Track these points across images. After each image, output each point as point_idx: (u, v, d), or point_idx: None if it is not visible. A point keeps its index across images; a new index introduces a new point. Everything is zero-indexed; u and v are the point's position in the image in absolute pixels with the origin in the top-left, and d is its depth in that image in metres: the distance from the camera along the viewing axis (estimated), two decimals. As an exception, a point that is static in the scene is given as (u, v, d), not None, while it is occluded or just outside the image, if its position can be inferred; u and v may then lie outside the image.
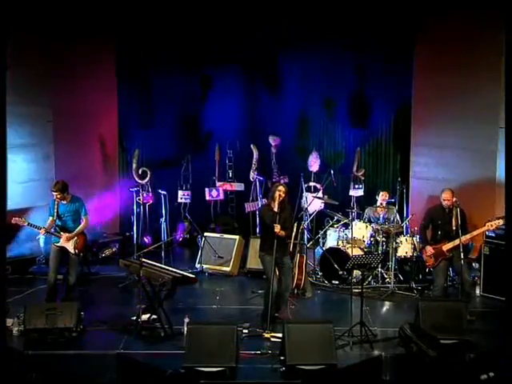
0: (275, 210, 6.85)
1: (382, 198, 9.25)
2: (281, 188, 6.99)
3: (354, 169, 10.68)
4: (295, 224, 8.37)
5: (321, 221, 10.12)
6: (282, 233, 6.79)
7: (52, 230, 7.45)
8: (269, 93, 11.53)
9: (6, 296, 6.60)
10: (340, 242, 8.92)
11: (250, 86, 11.71)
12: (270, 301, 6.70)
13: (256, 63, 11.35)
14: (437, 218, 7.50)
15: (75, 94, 9.81)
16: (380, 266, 8.39)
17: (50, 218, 7.48)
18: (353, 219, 8.96)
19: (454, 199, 7.36)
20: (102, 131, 10.66)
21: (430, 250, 7.48)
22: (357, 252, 8.43)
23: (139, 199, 10.13)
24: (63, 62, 9.65)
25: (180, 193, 11.18)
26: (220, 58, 11.10)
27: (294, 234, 8.28)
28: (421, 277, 8.62)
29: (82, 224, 7.53)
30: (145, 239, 10.33)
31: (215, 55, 11.09)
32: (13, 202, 8.35)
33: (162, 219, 9.85)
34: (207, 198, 11.21)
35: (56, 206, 7.43)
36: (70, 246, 7.40)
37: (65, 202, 7.45)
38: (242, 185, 11.30)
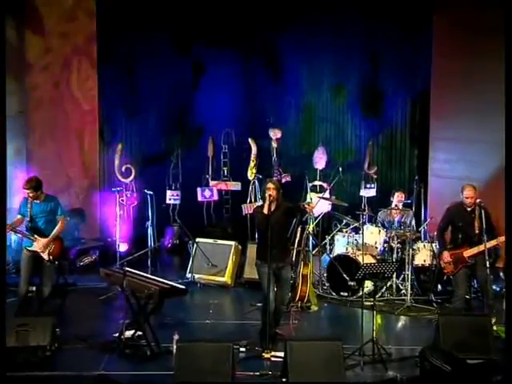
0: (265, 212, 6.71)
1: (397, 199, 9.25)
2: (270, 185, 6.74)
3: (366, 166, 10.68)
4: (299, 229, 8.35)
5: (328, 225, 10.11)
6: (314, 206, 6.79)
7: (23, 230, 7.38)
8: (269, 79, 11.55)
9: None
10: (349, 249, 8.92)
11: (248, 71, 11.72)
12: (267, 317, 6.66)
13: (254, 46, 11.36)
14: (457, 218, 7.49)
15: (49, 81, 9.80)
16: (395, 275, 8.39)
17: (18, 217, 7.41)
18: (364, 223, 8.95)
19: (478, 199, 7.35)
20: (79, 123, 10.65)
21: (445, 256, 7.47)
22: (368, 260, 8.42)
23: (122, 200, 10.12)
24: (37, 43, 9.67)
25: (169, 193, 11.18)
26: (213, 40, 11.10)
27: (297, 239, 8.28)
28: (441, 288, 8.61)
29: (58, 226, 7.47)
30: (129, 246, 10.32)
31: (208, 37, 11.09)
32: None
33: (149, 223, 9.84)
34: (199, 198, 11.21)
35: (29, 206, 7.37)
36: (44, 252, 7.36)
37: (38, 202, 7.39)
38: (239, 184, 11.30)
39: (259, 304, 7.76)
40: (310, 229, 8.83)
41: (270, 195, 6.71)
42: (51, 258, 7.38)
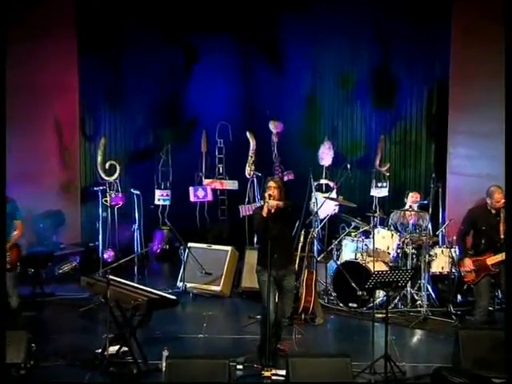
0: (264, 214, 6.64)
1: (411, 199, 9.24)
2: (270, 184, 6.74)
3: (377, 162, 10.68)
4: (302, 232, 8.33)
5: (335, 228, 10.10)
6: (273, 204, 6.53)
7: None
8: (268, 67, 11.54)
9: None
10: (359, 255, 8.90)
11: (245, 58, 11.73)
12: (268, 330, 6.62)
13: (252, 30, 11.34)
14: (480, 222, 7.49)
15: (24, 67, 9.74)
16: (409, 284, 8.34)
17: None
18: (375, 226, 8.93)
19: (502, 200, 7.34)
20: (58, 114, 10.62)
21: (469, 262, 7.45)
22: (380, 267, 8.41)
23: (106, 201, 10.11)
24: (11, 25, 9.62)
25: (158, 193, 11.19)
26: (206, 23, 11.09)
27: (300, 244, 8.25)
28: (461, 299, 8.61)
29: (16, 231, 7.52)
30: (112, 251, 10.29)
31: (200, 20, 11.08)
32: None
33: (135, 226, 9.84)
34: (192, 199, 11.21)
35: None
36: None
37: None
38: (236, 183, 11.31)
39: (258, 316, 7.73)
40: (315, 233, 8.80)
41: (269, 195, 6.67)
42: (10, 266, 7.39)
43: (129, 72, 11.11)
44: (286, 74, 11.53)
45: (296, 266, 7.91)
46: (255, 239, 9.73)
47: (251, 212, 10.53)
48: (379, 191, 10.71)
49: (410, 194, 9.28)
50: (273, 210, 6.65)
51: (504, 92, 9.13)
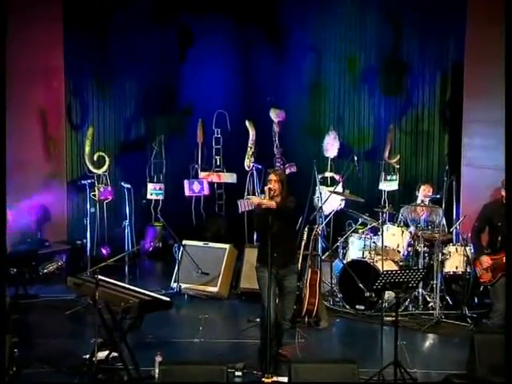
0: (272, 192, 6.64)
1: (423, 193, 9.23)
2: (271, 177, 6.74)
3: (386, 154, 10.68)
4: (305, 229, 8.33)
5: (341, 224, 10.10)
6: (272, 203, 6.52)
7: None
8: (269, 51, 11.52)
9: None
10: (366, 253, 8.90)
11: (244, 41, 11.74)
12: (268, 334, 6.61)
13: (252, 12, 11.32)
14: (496, 217, 7.49)
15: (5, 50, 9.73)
16: (421, 285, 8.37)
17: None
18: (384, 222, 8.93)
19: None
20: (42, 101, 10.61)
21: (486, 261, 7.44)
22: (389, 267, 8.41)
23: (94, 195, 10.10)
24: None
25: (150, 186, 11.19)
26: (203, 2, 11.07)
27: (304, 242, 8.26)
28: (476, 301, 8.63)
29: None
30: (102, 249, 10.30)
31: (196, 0, 11.05)
32: None
33: (126, 222, 9.82)
34: (187, 193, 11.22)
35: None
36: None
37: None
38: (234, 176, 11.32)
39: (258, 319, 7.73)
40: (320, 229, 8.81)
41: (269, 189, 6.67)
42: None
43: (119, 56, 11.10)
44: (288, 59, 11.53)
45: (299, 265, 7.92)
46: (255, 236, 9.73)
47: (251, 207, 10.55)
48: (388, 185, 10.72)
49: (422, 187, 9.27)
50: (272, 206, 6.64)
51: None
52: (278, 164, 11.02)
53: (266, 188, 6.72)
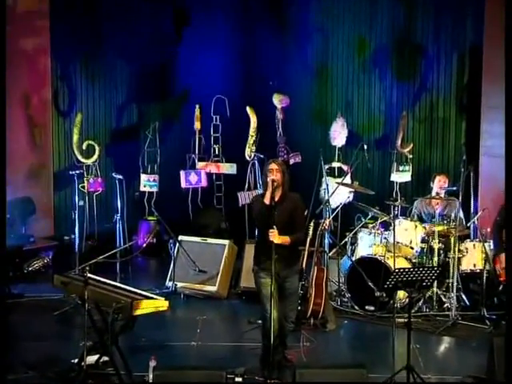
0: (266, 202, 6.58)
1: (438, 184, 9.23)
2: (273, 166, 6.64)
3: (398, 143, 10.67)
4: (311, 224, 8.31)
5: (349, 218, 10.09)
6: (280, 240, 6.56)
7: None
8: (272, 31, 11.52)
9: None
10: (377, 250, 8.90)
11: (245, 21, 11.72)
12: (271, 337, 6.58)
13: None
14: (519, 212, 7.46)
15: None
16: (436, 284, 8.36)
17: None
18: (396, 216, 8.92)
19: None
20: (27, 85, 10.59)
21: (506, 258, 7.45)
22: (402, 264, 8.40)
23: (83, 187, 10.10)
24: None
25: (143, 178, 11.18)
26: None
27: (309, 238, 8.24)
28: (496, 301, 8.60)
29: None
30: (92, 245, 10.29)
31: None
32: None
33: (118, 216, 9.82)
34: (183, 185, 11.23)
35: None
36: None
37: None
38: (234, 166, 11.31)
39: (260, 321, 7.72)
40: (326, 224, 8.79)
41: (272, 180, 6.62)
42: None
43: (110, 36, 11.11)
44: (293, 39, 11.53)
45: (303, 264, 7.92)
46: (257, 232, 9.72)
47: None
48: (401, 176, 10.71)
49: (437, 178, 9.26)
50: (276, 198, 6.60)
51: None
52: (281, 153, 11.02)
53: (269, 179, 6.65)
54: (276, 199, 6.61)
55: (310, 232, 8.31)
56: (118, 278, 8.97)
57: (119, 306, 6.61)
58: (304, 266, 8.11)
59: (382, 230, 9.06)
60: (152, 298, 7.02)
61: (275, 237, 6.43)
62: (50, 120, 10.91)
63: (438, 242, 8.75)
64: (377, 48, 11.19)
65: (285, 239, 6.55)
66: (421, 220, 9.11)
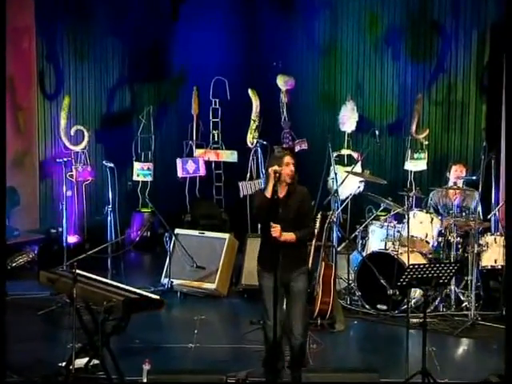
0: (268, 195, 6.40)
1: (454, 174, 9.21)
2: (289, 160, 6.50)
3: (413, 128, 10.69)
4: (318, 216, 8.30)
5: (359, 210, 10.10)
6: (286, 238, 6.47)
7: None
8: (276, 7, 11.49)
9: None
10: (389, 244, 8.90)
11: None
12: (275, 340, 6.55)
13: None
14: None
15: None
16: (453, 281, 8.35)
17: None
18: (410, 208, 8.91)
19: None
20: (10, 66, 10.52)
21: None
22: (416, 260, 8.40)
23: (71, 176, 10.09)
24: None
25: (137, 166, 11.18)
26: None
27: (316, 231, 8.23)
28: (518, 299, 8.61)
29: None
30: (80, 239, 10.29)
31: None
32: None
33: (109, 207, 9.80)
34: (180, 173, 11.23)
35: None
36: None
37: None
38: (235, 154, 11.30)
39: (262, 321, 7.73)
40: (335, 216, 8.80)
41: (275, 171, 6.43)
42: None
43: (100, 12, 11.11)
44: (298, 16, 11.52)
45: (309, 263, 7.88)
46: (259, 225, 9.71)
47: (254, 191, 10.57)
48: (415, 164, 10.74)
49: (453, 168, 9.25)
50: (283, 193, 6.52)
51: None
52: (286, 140, 11.02)
53: (270, 170, 6.57)
54: (281, 194, 6.52)
55: (317, 225, 8.29)
56: (110, 275, 8.95)
57: (110, 304, 6.60)
58: (311, 262, 8.10)
59: (395, 222, 9.04)
60: (146, 297, 7.03)
61: (278, 232, 6.38)
62: (36, 104, 10.90)
63: (456, 236, 8.75)
64: (390, 25, 11.19)
65: (290, 236, 6.47)
66: (437, 212, 9.10)
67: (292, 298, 6.70)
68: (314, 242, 8.20)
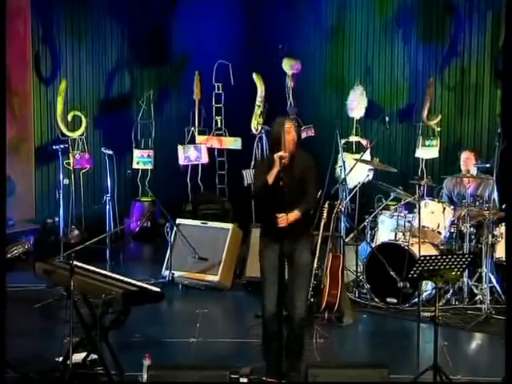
0: (270, 181, 6.36)
1: (464, 162, 9.16)
2: (290, 125, 6.49)
3: (425, 114, 10.68)
4: (326, 205, 8.30)
5: (368, 200, 10.09)
6: (291, 220, 6.39)
7: None
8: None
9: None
10: (400, 235, 8.90)
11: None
12: (279, 330, 6.59)
13: None
14: None
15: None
16: (466, 274, 8.36)
17: None
18: (421, 197, 8.91)
19: None
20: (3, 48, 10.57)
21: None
22: (428, 251, 8.40)
23: (68, 164, 10.10)
24: None
25: (137, 153, 11.19)
26: None
27: (323, 221, 8.23)
28: (534, 292, 8.61)
29: None
30: (77, 229, 10.30)
31: None
32: None
33: (107, 196, 9.82)
34: (181, 161, 11.24)
35: None
36: None
37: None
38: (239, 140, 11.30)
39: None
40: (343, 206, 8.80)
41: (281, 157, 6.41)
42: None
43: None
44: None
45: (317, 249, 7.90)
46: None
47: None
48: (427, 151, 10.73)
49: (463, 155, 9.17)
50: (285, 161, 6.44)
51: None
52: (292, 126, 11.00)
53: (276, 156, 6.53)
54: (285, 162, 6.43)
55: (325, 215, 8.29)
56: (108, 266, 8.98)
57: (109, 297, 6.61)
58: (318, 251, 8.11)
59: (406, 212, 9.03)
60: (146, 289, 7.04)
61: (285, 223, 6.36)
62: (31, 88, 10.91)
63: (470, 227, 8.73)
64: (400, 5, 11.19)
65: (295, 216, 6.43)
66: (451, 201, 9.09)
67: (295, 270, 6.70)
68: (321, 232, 8.23)
